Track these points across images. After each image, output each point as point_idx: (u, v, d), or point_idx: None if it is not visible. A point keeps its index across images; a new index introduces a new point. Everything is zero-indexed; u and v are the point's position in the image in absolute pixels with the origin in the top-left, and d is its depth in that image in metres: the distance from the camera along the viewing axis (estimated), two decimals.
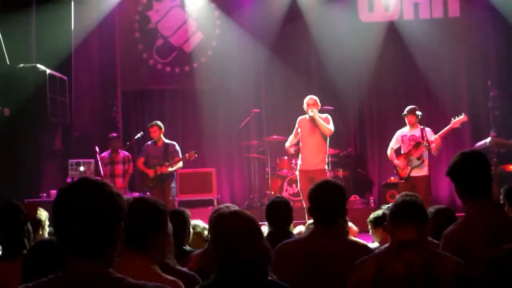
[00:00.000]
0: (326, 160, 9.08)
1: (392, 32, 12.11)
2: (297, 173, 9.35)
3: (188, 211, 4.33)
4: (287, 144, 9.35)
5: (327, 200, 3.56)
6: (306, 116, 9.01)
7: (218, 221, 2.69)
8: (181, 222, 4.14)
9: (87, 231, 1.95)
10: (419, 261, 3.03)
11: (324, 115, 9.04)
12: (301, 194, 8.95)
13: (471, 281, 2.87)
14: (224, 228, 2.64)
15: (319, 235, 3.56)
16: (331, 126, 8.91)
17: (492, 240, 3.04)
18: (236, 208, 3.96)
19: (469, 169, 3.39)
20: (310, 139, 8.96)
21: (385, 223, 3.28)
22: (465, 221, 3.41)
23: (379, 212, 5.30)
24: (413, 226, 3.12)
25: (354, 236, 5.41)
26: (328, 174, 9.24)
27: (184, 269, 3.21)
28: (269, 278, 2.65)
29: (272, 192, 10.76)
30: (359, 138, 12.69)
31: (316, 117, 8.84)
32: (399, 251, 3.10)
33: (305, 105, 8.99)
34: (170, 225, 3.14)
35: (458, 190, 3.46)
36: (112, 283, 1.98)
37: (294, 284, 2.91)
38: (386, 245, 3.38)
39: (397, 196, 3.63)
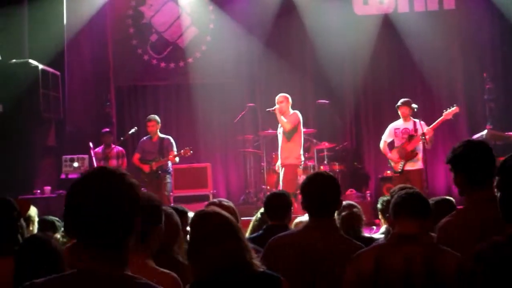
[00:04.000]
0: (295, 155, 9.24)
1: (387, 25, 12.04)
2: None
3: (185, 208, 4.29)
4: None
5: (319, 192, 3.45)
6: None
7: (192, 222, 2.80)
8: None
9: (104, 221, 1.86)
10: (419, 256, 2.96)
11: (292, 112, 9.31)
12: None
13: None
14: (197, 228, 2.74)
15: (312, 228, 3.48)
16: (287, 122, 9.18)
17: (487, 233, 2.94)
18: (225, 205, 3.93)
19: (472, 157, 3.27)
20: (280, 135, 9.40)
21: (387, 214, 3.21)
22: (461, 213, 3.33)
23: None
24: (415, 219, 3.05)
25: None
26: (298, 171, 9.43)
27: None
28: (260, 269, 2.70)
29: (268, 187, 10.70)
30: (355, 132, 12.65)
31: (276, 112, 9.24)
32: (398, 244, 3.03)
33: None
34: (178, 221, 3.23)
35: (458, 179, 3.35)
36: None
37: (288, 278, 2.85)
38: (386, 237, 3.31)
39: (396, 188, 3.55)
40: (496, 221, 2.98)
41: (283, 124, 9.19)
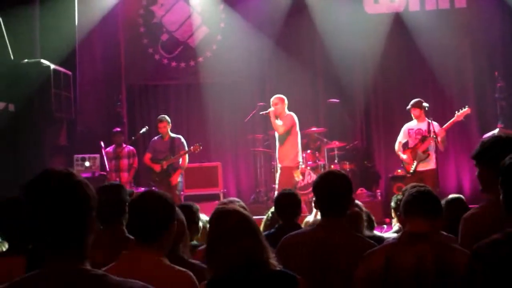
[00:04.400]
0: (290, 157, 9.11)
1: (398, 23, 12.02)
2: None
3: (196, 205, 4.30)
4: None
5: (332, 191, 3.45)
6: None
7: (211, 219, 2.81)
8: (189, 216, 4.11)
9: (57, 224, 1.88)
10: (430, 254, 2.96)
11: (287, 113, 9.14)
12: None
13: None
14: (216, 226, 2.76)
15: (324, 227, 3.48)
16: (281, 125, 9.05)
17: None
18: (236, 204, 3.95)
19: (501, 151, 3.13)
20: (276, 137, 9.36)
21: (398, 213, 3.21)
22: (486, 207, 3.29)
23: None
24: (426, 219, 3.05)
25: None
26: (294, 172, 9.23)
27: (198, 262, 3.22)
28: (277, 268, 2.70)
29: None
30: (366, 131, 12.63)
31: (270, 115, 9.12)
32: (409, 243, 3.03)
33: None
34: (184, 219, 3.25)
35: (484, 174, 3.29)
36: (89, 280, 1.89)
37: (299, 276, 2.86)
38: (397, 235, 3.31)
39: (408, 186, 3.53)
40: None
41: (276, 127, 9.10)
